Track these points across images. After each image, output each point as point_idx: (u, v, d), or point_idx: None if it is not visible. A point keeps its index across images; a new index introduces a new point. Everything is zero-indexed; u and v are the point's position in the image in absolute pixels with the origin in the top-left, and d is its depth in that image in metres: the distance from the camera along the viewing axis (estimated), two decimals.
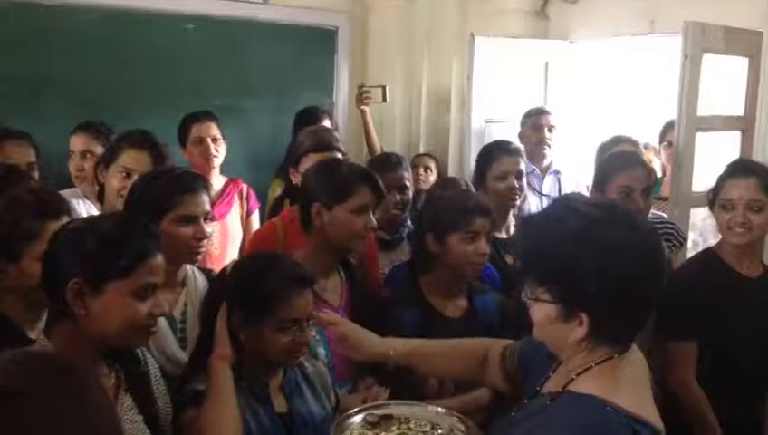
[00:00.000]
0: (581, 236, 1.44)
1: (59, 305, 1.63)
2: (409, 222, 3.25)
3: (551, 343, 1.58)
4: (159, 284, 1.71)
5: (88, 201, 3.19)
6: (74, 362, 1.16)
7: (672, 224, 3.33)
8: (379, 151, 4.18)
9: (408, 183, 3.20)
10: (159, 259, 1.69)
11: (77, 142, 3.30)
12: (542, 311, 1.52)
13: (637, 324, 1.53)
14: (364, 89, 4.31)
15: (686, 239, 3.37)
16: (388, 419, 1.92)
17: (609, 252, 1.43)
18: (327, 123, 3.85)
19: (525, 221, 1.77)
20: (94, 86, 4.01)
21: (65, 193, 3.07)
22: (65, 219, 1.92)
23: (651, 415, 1.48)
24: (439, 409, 1.98)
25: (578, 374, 1.50)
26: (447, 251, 2.46)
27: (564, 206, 1.56)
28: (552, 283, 1.48)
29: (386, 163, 3.18)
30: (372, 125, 4.32)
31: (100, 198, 2.85)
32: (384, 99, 4.33)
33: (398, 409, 1.97)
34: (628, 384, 1.49)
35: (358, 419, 1.92)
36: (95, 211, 3.07)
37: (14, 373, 0.95)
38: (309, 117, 3.88)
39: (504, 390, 1.91)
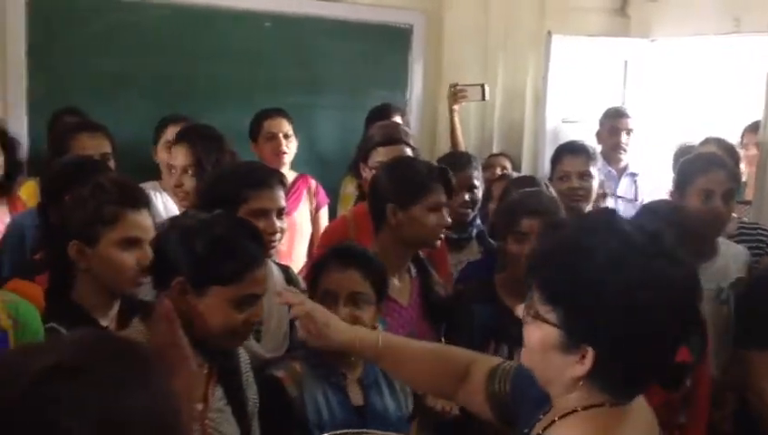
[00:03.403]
0: (614, 259, 1.22)
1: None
2: (479, 221, 3.21)
3: (541, 373, 1.33)
4: (262, 294, 1.74)
5: (165, 193, 3.22)
6: (142, 345, 1.18)
7: (766, 229, 3.13)
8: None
9: (476, 182, 3.16)
10: (264, 270, 1.73)
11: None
12: (539, 333, 1.28)
13: (645, 378, 1.30)
14: (459, 87, 4.14)
15: None
16: None
17: (643, 284, 1.20)
18: (398, 120, 3.80)
19: (554, 227, 1.61)
20: (172, 81, 4.09)
21: (144, 186, 3.15)
22: (144, 210, 1.97)
23: None
24: None
25: (560, 417, 1.29)
26: (506, 252, 2.46)
27: (602, 221, 1.33)
28: (564, 303, 1.25)
29: (455, 162, 3.14)
30: (459, 124, 4.17)
31: None
32: (483, 97, 4.15)
33: None
34: None
35: None
36: (171, 204, 3.11)
37: (79, 351, 0.95)
38: (381, 114, 3.84)
39: (479, 413, 1.64)
